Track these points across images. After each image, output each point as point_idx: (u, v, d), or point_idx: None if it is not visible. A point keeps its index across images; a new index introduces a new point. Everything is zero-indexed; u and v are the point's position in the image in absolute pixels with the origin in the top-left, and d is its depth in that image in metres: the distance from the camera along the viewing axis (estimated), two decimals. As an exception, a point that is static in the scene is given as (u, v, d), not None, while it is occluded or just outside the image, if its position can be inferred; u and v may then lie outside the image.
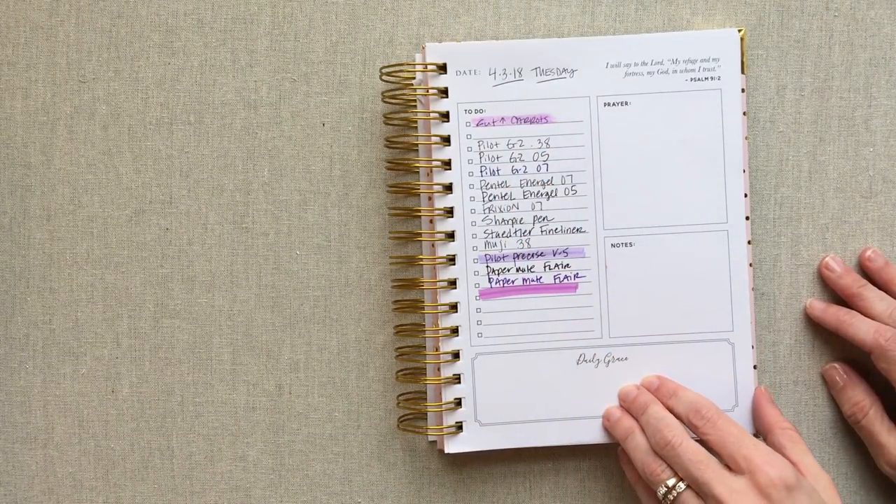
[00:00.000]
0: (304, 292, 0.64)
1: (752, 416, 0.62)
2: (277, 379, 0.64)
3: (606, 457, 0.64)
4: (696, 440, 0.58)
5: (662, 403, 0.60)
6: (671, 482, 0.57)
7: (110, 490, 0.65)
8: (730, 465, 0.56)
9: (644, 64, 0.62)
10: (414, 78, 0.62)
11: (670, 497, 0.57)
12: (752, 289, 0.63)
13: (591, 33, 0.64)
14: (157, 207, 0.64)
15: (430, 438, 0.64)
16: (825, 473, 0.57)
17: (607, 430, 0.62)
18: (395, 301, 0.64)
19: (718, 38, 0.62)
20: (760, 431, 0.61)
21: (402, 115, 0.63)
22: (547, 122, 0.62)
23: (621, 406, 0.62)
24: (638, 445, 0.59)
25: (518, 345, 0.62)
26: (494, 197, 0.62)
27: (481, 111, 0.62)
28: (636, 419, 0.60)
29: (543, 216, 0.62)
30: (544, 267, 0.62)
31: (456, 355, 0.62)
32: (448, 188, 0.62)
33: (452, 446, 0.62)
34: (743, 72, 0.62)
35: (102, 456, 0.65)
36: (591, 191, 0.62)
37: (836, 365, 0.63)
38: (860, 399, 0.62)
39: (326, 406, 0.64)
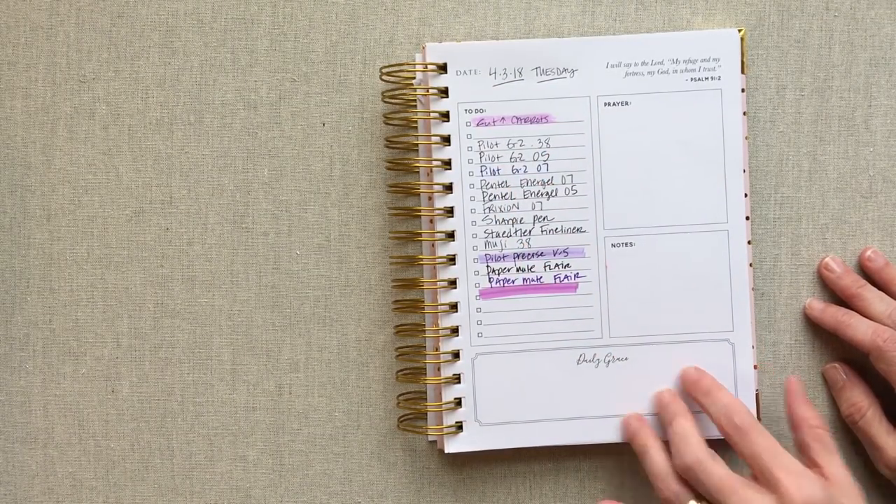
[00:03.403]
0: (304, 292, 0.64)
1: (785, 408, 0.60)
2: (277, 379, 0.64)
3: (606, 457, 0.64)
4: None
5: (697, 400, 0.60)
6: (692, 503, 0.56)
7: (110, 490, 0.65)
8: (757, 479, 0.55)
9: (644, 64, 0.62)
10: (414, 78, 0.62)
11: None
12: (752, 289, 0.63)
13: (591, 33, 0.64)
14: (157, 207, 0.64)
15: (430, 438, 0.64)
16: (851, 479, 0.56)
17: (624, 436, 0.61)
18: (395, 301, 0.64)
19: (718, 38, 0.62)
20: (790, 426, 0.59)
21: (402, 115, 0.63)
22: (547, 121, 0.62)
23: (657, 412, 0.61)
24: (653, 464, 0.58)
25: (518, 345, 0.62)
26: (494, 197, 0.62)
27: (481, 111, 0.62)
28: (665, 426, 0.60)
29: (543, 216, 0.62)
30: (544, 267, 0.62)
31: (456, 355, 0.62)
32: (448, 188, 0.62)
33: (452, 446, 0.62)
34: (743, 72, 0.62)
35: (102, 456, 0.65)
36: (591, 191, 0.62)
37: (837, 365, 0.63)
38: (858, 400, 0.62)
39: (326, 406, 0.64)
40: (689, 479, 0.57)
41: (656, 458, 0.59)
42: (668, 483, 0.57)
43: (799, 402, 0.59)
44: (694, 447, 0.57)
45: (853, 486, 0.55)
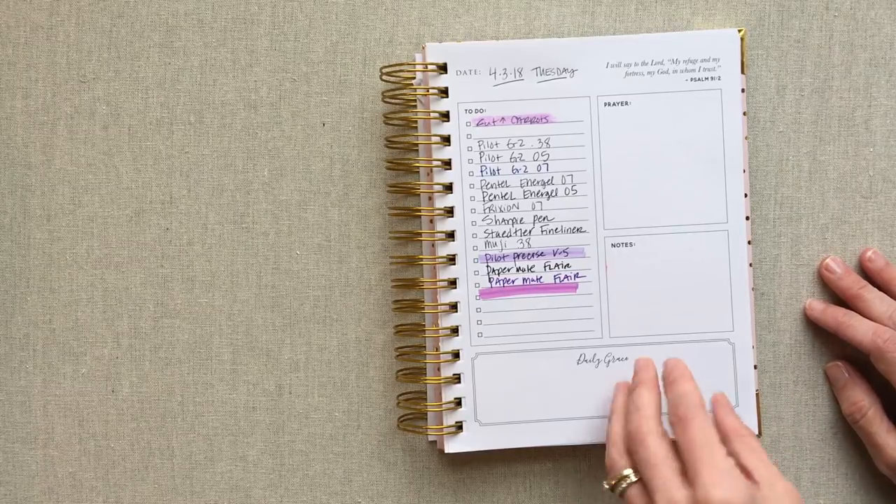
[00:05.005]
0: (304, 292, 0.64)
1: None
2: (277, 379, 0.64)
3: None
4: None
5: (665, 391, 0.57)
6: (626, 472, 0.54)
7: (110, 490, 0.65)
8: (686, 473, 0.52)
9: (644, 64, 0.62)
10: (414, 78, 0.62)
11: (621, 486, 0.54)
12: (752, 289, 0.63)
13: (591, 33, 0.64)
14: (157, 207, 0.64)
15: (430, 438, 0.64)
16: (784, 481, 0.52)
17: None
18: (395, 301, 0.64)
19: (718, 38, 0.62)
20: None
21: (402, 115, 0.63)
22: (547, 121, 0.62)
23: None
24: (610, 429, 0.57)
25: (518, 345, 0.62)
26: (495, 197, 0.62)
27: (481, 111, 0.62)
28: None
29: (543, 216, 0.62)
30: (544, 267, 0.62)
31: (456, 355, 0.62)
32: (448, 188, 0.62)
33: (452, 446, 0.62)
34: (743, 72, 0.62)
35: (102, 456, 0.65)
36: (591, 191, 0.62)
37: (840, 363, 0.63)
38: (859, 399, 0.62)
39: (326, 406, 0.64)
40: (630, 449, 0.55)
41: (615, 424, 0.57)
42: (614, 448, 0.56)
43: (725, 412, 0.56)
44: (642, 417, 0.55)
45: (789, 492, 0.51)
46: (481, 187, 0.62)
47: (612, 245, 0.62)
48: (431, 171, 0.62)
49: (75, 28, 0.64)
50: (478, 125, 0.62)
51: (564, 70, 0.62)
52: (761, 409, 0.63)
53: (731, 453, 0.53)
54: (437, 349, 0.62)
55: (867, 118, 0.64)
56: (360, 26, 0.64)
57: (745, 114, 0.62)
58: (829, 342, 0.64)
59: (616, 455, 0.56)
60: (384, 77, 0.62)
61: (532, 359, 0.62)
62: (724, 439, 0.54)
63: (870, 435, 0.61)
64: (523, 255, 0.62)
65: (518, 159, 0.62)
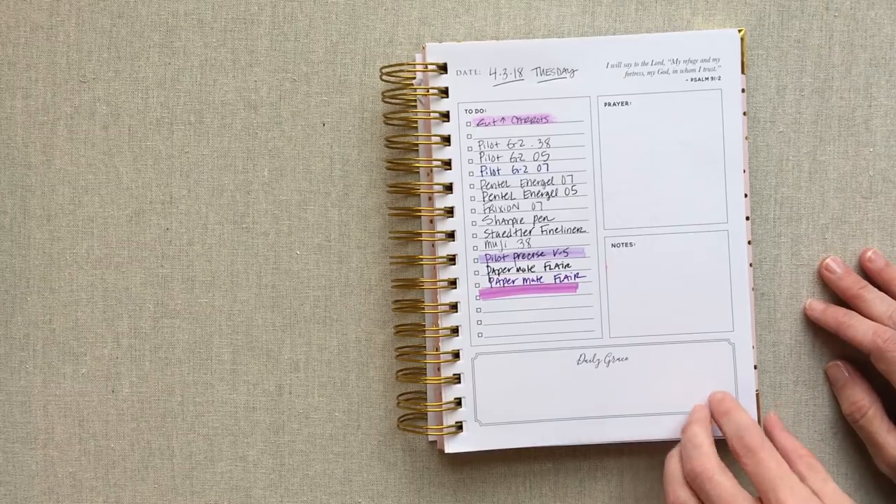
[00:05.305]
0: (304, 292, 0.64)
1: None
2: (277, 379, 0.64)
3: (606, 457, 0.64)
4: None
5: (716, 421, 0.59)
6: None
7: (110, 490, 0.65)
8: (762, 500, 0.54)
9: (644, 64, 0.62)
10: (414, 78, 0.62)
11: None
12: (752, 289, 0.63)
13: (591, 33, 0.64)
14: (157, 207, 0.64)
15: (430, 438, 0.64)
16: (848, 498, 0.55)
17: None
18: (395, 301, 0.64)
19: (718, 38, 0.62)
20: None
21: (402, 115, 0.63)
22: (547, 122, 0.62)
23: None
24: (667, 467, 0.58)
25: (518, 345, 0.62)
26: (495, 197, 0.62)
27: (482, 111, 0.62)
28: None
29: (543, 216, 0.62)
30: (544, 267, 0.62)
31: (456, 355, 0.62)
32: (448, 188, 0.62)
33: (452, 446, 0.62)
34: (743, 72, 0.62)
35: (102, 456, 0.65)
36: (591, 191, 0.62)
37: (840, 363, 0.63)
38: (859, 398, 0.62)
39: (326, 406, 0.64)
40: (694, 487, 0.56)
41: (672, 462, 0.58)
42: (675, 487, 0.57)
43: (782, 435, 0.60)
44: (703, 455, 0.56)
45: (848, 500, 0.55)
46: (481, 187, 0.62)
47: (612, 245, 0.62)
48: (431, 171, 0.62)
49: (75, 28, 0.64)
50: (478, 125, 0.62)
51: (564, 70, 0.62)
52: (761, 409, 0.63)
53: (796, 475, 0.55)
54: (437, 349, 0.62)
55: (867, 118, 0.64)
56: (360, 26, 0.64)
57: (745, 114, 0.62)
58: (829, 342, 0.64)
59: (683, 494, 0.56)
60: (384, 77, 0.62)
61: (532, 359, 0.62)
62: (787, 460, 0.57)
63: (870, 434, 0.61)
64: (523, 255, 0.62)
65: (518, 159, 0.62)
